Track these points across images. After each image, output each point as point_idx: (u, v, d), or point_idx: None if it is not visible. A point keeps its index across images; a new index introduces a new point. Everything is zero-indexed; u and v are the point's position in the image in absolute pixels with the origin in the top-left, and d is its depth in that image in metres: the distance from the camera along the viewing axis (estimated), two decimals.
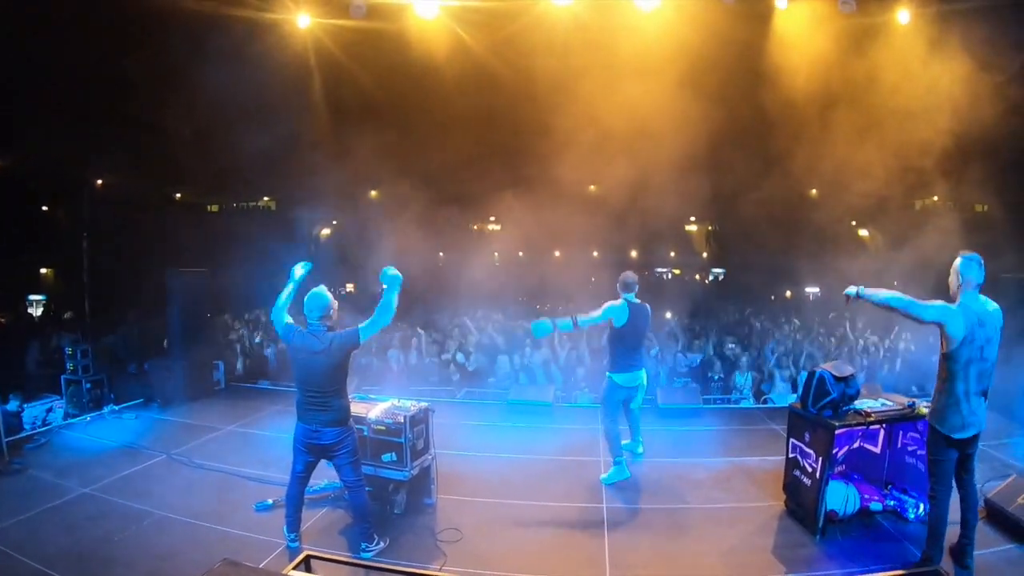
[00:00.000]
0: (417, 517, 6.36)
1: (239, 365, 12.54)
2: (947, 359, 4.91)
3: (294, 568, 4.06)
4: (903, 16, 10.84)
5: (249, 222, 20.95)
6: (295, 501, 5.63)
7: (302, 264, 5.88)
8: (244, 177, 19.19)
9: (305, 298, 5.46)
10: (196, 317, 11.16)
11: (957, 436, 4.91)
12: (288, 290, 5.77)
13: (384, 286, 5.53)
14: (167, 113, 13.09)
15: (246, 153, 13.51)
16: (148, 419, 9.74)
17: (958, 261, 4.98)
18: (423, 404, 6.71)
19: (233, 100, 11.73)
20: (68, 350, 10.31)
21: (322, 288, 5.53)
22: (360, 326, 5.42)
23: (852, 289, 5.27)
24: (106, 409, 9.98)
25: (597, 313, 7.13)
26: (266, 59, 11.97)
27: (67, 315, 16.61)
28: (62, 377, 10.21)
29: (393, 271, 5.53)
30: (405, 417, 6.28)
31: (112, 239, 17.47)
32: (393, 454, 6.27)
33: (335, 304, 5.53)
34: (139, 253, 16.65)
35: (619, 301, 7.23)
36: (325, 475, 6.24)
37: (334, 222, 22.20)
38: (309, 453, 5.50)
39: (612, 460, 7.33)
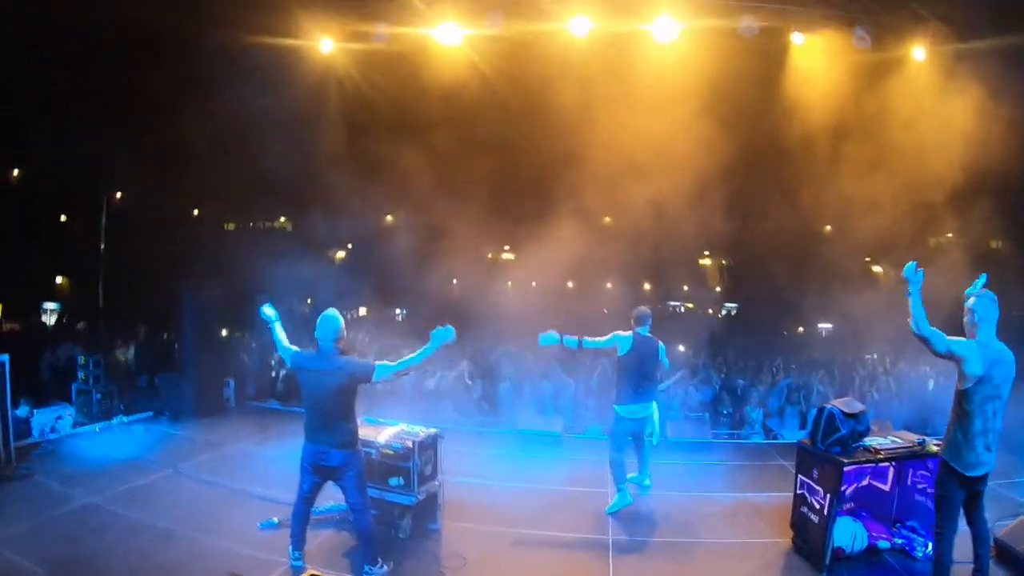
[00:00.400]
0: (422, 542, 6.34)
1: (250, 384, 12.55)
2: (963, 396, 4.88)
3: None
4: (918, 53, 10.90)
5: (266, 242, 21.14)
6: (301, 520, 5.61)
7: (267, 305, 5.94)
8: (262, 197, 19.41)
9: (318, 320, 5.46)
10: (209, 333, 11.22)
11: (970, 474, 4.89)
12: (275, 330, 5.84)
13: (431, 341, 5.49)
14: (189, 131, 13.31)
15: (265, 173, 13.70)
16: (157, 432, 9.80)
17: (972, 300, 4.98)
18: (432, 430, 6.72)
19: (254, 121, 11.91)
20: (80, 360, 10.41)
21: (334, 311, 5.52)
22: (378, 363, 5.43)
23: (912, 272, 4.81)
24: (115, 420, 10.04)
25: (604, 339, 7.22)
26: (287, 82, 12.16)
27: (80, 325, 16.76)
28: (73, 386, 10.30)
29: (450, 332, 5.48)
30: (414, 442, 6.29)
31: (129, 252, 17.69)
32: (400, 478, 6.27)
33: (344, 327, 5.56)
34: (155, 267, 16.81)
35: (627, 332, 7.27)
36: (331, 496, 6.20)
37: (349, 245, 22.37)
38: (316, 474, 5.48)
39: (615, 488, 7.31)
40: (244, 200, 20.48)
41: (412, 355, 5.48)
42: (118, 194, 19.83)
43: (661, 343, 7.58)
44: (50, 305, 20.09)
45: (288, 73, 12.16)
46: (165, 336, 14.67)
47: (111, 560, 5.62)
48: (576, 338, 7.10)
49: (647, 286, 20.24)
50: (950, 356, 4.83)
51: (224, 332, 11.72)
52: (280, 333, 5.83)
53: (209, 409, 10.83)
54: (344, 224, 16.03)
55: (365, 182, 13.58)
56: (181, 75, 12.76)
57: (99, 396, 10.17)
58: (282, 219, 26.06)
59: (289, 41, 11.89)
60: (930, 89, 10.78)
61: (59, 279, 22.10)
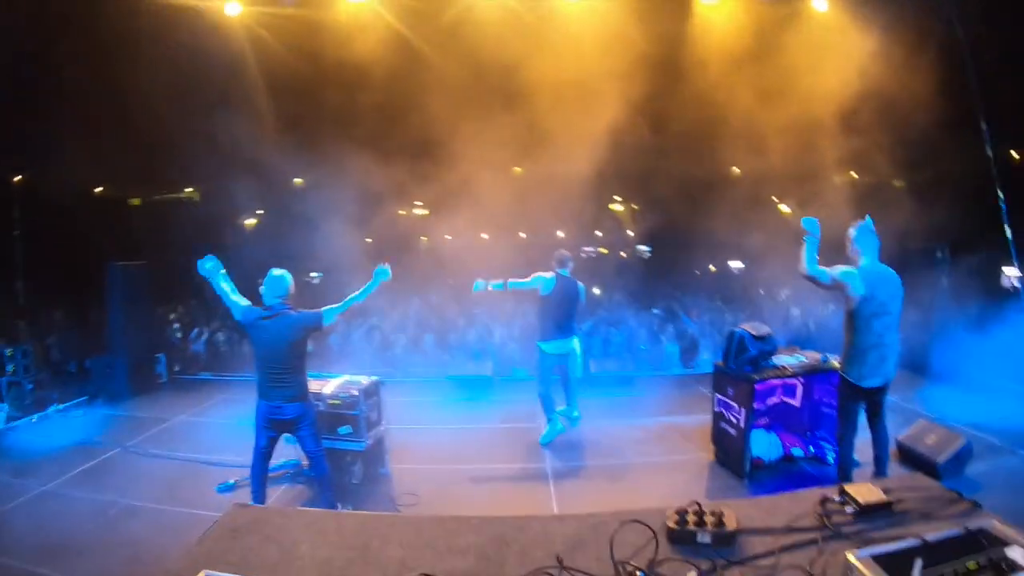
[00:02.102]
0: (375, 486, 6.74)
1: (176, 358, 12.47)
2: (851, 315, 5.56)
3: None
4: (819, 3, 11.44)
5: (173, 214, 20.58)
6: (260, 477, 5.81)
7: (206, 258, 5.83)
8: (166, 169, 18.86)
9: (265, 279, 5.67)
10: (136, 311, 11.06)
11: (864, 385, 5.58)
12: (221, 282, 5.78)
13: (373, 280, 5.92)
14: (87, 104, 12.88)
15: (168, 144, 13.45)
16: (96, 415, 9.74)
17: (852, 231, 5.64)
18: (374, 378, 7.07)
19: (155, 89, 11.64)
20: (7, 352, 10.19)
21: (282, 271, 5.72)
22: (324, 309, 5.70)
23: (812, 225, 5.50)
24: (51, 409, 9.91)
25: (526, 280, 7.73)
26: (191, 48, 11.85)
27: None
28: (1, 380, 10.12)
29: (387, 271, 5.94)
30: (359, 390, 6.64)
31: (35, 236, 17.06)
32: (349, 426, 6.61)
33: (293, 286, 5.78)
34: (66, 249, 16.30)
35: (549, 273, 7.76)
36: (282, 453, 6.46)
37: (259, 211, 21.97)
38: (272, 428, 5.71)
39: (547, 420, 7.90)
40: (147, 174, 19.85)
41: (355, 293, 5.85)
42: (16, 177, 18.99)
43: (581, 284, 8.06)
44: None
45: (189, 37, 11.83)
46: (89, 318, 14.33)
47: (80, 540, 5.75)
48: (501, 281, 7.57)
49: (560, 233, 20.59)
50: (836, 285, 5.50)
51: (154, 308, 11.55)
52: (225, 285, 5.79)
53: (143, 387, 10.84)
54: (252, 191, 15.78)
55: (268, 148, 13.44)
56: (76, 47, 12.34)
57: (31, 386, 10.10)
58: (188, 190, 25.24)
59: (193, 2, 11.61)
60: (831, 34, 11.32)
61: None
